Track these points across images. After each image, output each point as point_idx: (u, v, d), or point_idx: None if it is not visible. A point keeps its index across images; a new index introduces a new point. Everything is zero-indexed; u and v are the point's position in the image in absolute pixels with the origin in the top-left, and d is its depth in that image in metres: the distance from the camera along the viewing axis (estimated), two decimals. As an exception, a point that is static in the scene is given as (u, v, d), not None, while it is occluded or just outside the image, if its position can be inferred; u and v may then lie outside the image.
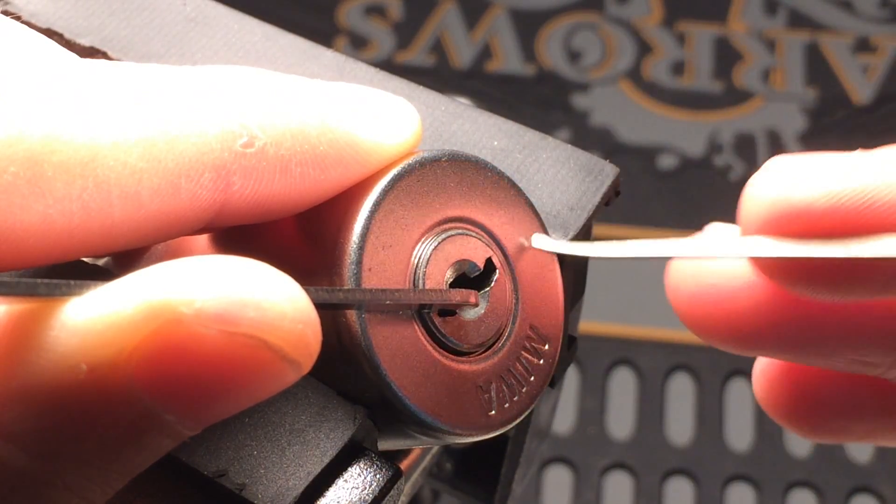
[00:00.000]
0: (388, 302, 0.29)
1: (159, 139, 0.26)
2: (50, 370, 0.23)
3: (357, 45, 1.32)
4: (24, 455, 0.23)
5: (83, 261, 0.30)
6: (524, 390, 0.32)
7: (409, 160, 0.30)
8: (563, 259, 0.34)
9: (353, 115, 0.29)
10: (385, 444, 0.32)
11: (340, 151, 0.29)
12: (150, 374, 0.23)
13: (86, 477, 0.24)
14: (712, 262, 0.31)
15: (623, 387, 1.06)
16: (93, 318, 0.23)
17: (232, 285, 0.23)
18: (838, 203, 0.28)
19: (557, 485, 1.01)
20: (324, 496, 0.28)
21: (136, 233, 0.26)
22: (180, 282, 0.23)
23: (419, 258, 0.30)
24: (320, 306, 0.24)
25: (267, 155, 0.27)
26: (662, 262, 0.32)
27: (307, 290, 0.24)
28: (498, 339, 0.32)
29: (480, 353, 0.31)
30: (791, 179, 0.29)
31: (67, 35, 0.37)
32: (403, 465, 0.43)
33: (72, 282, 0.23)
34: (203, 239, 0.32)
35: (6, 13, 0.37)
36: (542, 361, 0.33)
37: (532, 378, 0.32)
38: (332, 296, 0.28)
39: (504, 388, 0.32)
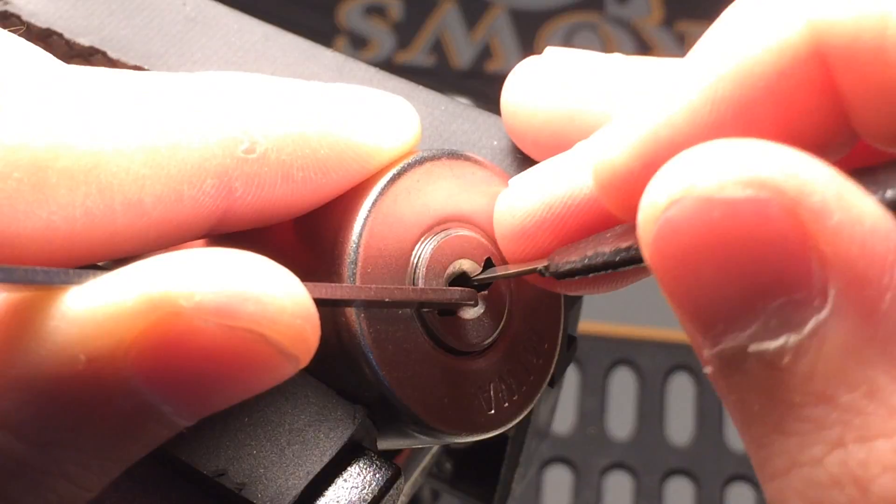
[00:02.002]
0: (387, 301, 0.29)
1: (162, 146, 0.26)
2: (48, 360, 0.23)
3: (357, 45, 1.32)
4: (22, 443, 0.23)
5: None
6: (523, 390, 0.32)
7: (409, 160, 0.31)
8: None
9: (353, 118, 0.30)
10: (384, 444, 0.32)
11: (341, 154, 0.29)
12: (148, 366, 0.23)
13: (82, 465, 0.24)
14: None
15: (623, 387, 1.06)
16: (92, 308, 0.23)
17: (232, 279, 0.23)
18: (539, 215, 0.30)
19: (557, 485, 1.01)
20: (323, 495, 0.28)
21: (138, 239, 0.26)
22: (180, 274, 0.23)
23: (418, 257, 0.30)
24: (320, 302, 0.24)
25: (269, 160, 0.28)
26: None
27: (307, 286, 0.24)
28: (497, 338, 0.32)
29: (480, 353, 0.31)
30: (510, 197, 0.31)
31: (67, 35, 0.37)
32: (401, 462, 0.43)
33: (71, 270, 0.23)
34: (203, 242, 0.32)
35: (6, 13, 0.37)
36: (541, 361, 0.33)
37: (531, 377, 0.32)
38: (332, 292, 0.28)
39: (503, 387, 0.32)
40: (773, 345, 0.21)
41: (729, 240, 0.21)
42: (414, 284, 0.30)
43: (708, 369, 0.23)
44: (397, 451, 0.42)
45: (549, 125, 0.33)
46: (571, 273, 0.27)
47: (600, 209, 0.29)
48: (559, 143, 0.32)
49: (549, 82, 0.33)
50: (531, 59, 0.34)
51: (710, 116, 0.25)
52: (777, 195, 0.21)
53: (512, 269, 0.30)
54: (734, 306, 0.22)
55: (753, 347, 0.22)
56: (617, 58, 0.33)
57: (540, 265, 0.29)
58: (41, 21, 0.37)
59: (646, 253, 0.22)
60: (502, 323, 0.32)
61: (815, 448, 0.22)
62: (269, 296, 0.23)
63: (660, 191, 0.22)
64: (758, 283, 0.21)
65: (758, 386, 0.22)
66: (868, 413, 0.21)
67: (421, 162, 0.31)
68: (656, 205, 0.22)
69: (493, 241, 0.32)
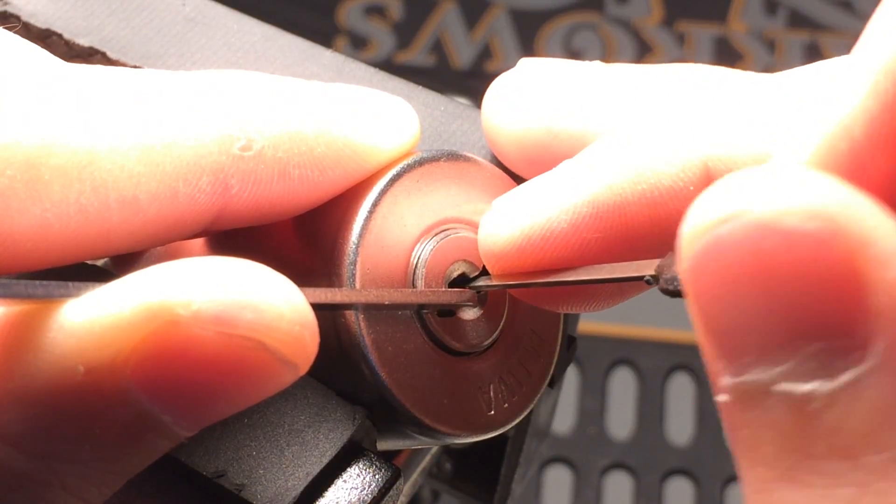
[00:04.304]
0: (386, 302, 0.29)
1: (157, 143, 0.26)
2: (47, 372, 0.23)
3: (357, 45, 1.32)
4: (22, 456, 0.23)
5: (82, 261, 0.30)
6: (523, 390, 0.32)
7: (408, 160, 0.30)
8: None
9: (351, 117, 0.29)
10: (384, 445, 0.32)
11: (338, 153, 0.29)
12: (148, 376, 0.23)
13: (83, 477, 0.24)
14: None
15: (623, 387, 1.06)
16: (90, 319, 0.23)
17: (229, 287, 0.23)
18: (522, 239, 0.29)
19: (557, 485, 1.01)
20: (323, 496, 0.28)
21: (134, 237, 0.26)
22: (178, 283, 0.23)
23: (418, 258, 0.30)
24: (318, 307, 0.24)
25: (265, 158, 0.28)
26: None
27: (305, 292, 0.24)
28: (497, 339, 0.32)
29: (479, 353, 0.31)
30: (491, 223, 0.30)
31: (67, 35, 0.37)
32: (401, 462, 0.43)
33: (69, 283, 0.23)
34: (201, 240, 0.32)
35: (5, 14, 0.37)
36: (540, 361, 0.33)
37: (531, 378, 0.32)
38: (331, 297, 0.28)
39: (503, 387, 0.32)
40: (802, 388, 0.20)
41: (780, 270, 0.20)
42: (413, 285, 0.30)
43: (723, 398, 0.21)
44: (397, 452, 0.42)
45: (530, 145, 0.32)
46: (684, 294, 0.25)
47: (581, 236, 0.29)
48: (543, 161, 0.31)
49: (526, 100, 0.32)
50: (506, 76, 0.33)
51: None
52: (840, 235, 0.19)
53: (609, 274, 0.28)
54: (770, 340, 0.20)
55: (781, 387, 0.20)
56: (595, 66, 0.32)
57: (647, 274, 0.26)
58: (41, 21, 0.37)
59: (683, 266, 0.21)
60: (502, 323, 0.32)
61: None
62: (266, 303, 0.23)
63: (712, 205, 0.20)
64: (801, 322, 0.20)
65: (776, 427, 0.21)
66: (892, 479, 0.20)
67: (420, 162, 0.31)
68: (706, 220, 0.20)
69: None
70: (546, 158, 0.31)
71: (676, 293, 0.25)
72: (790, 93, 0.28)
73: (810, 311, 0.20)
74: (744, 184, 0.20)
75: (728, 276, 0.20)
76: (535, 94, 0.32)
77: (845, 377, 0.20)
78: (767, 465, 0.21)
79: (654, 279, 0.26)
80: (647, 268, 0.26)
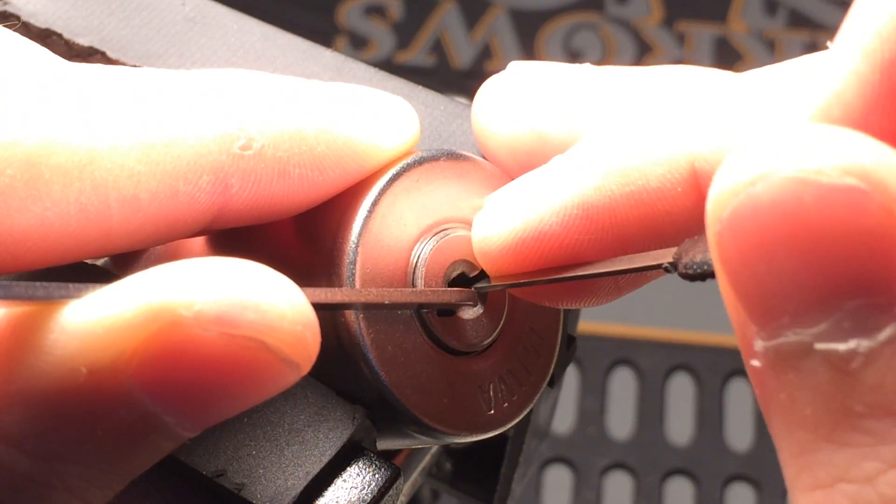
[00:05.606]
0: (386, 302, 0.29)
1: (157, 142, 0.26)
2: (49, 373, 0.23)
3: (357, 45, 1.32)
4: (25, 458, 0.23)
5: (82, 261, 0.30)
6: (523, 389, 0.32)
7: (408, 160, 0.30)
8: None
9: (352, 117, 0.29)
10: (384, 444, 0.32)
11: (338, 152, 0.29)
12: (150, 377, 0.23)
13: (86, 479, 0.24)
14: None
15: (623, 387, 1.06)
16: (92, 320, 0.23)
17: (231, 287, 0.23)
18: (515, 241, 0.29)
19: (557, 485, 1.01)
20: (322, 496, 0.28)
21: (134, 236, 0.26)
22: (180, 284, 0.23)
23: (418, 258, 0.30)
24: (319, 307, 0.24)
25: (265, 157, 0.28)
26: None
27: (306, 292, 0.24)
28: (497, 338, 0.32)
29: (479, 353, 0.31)
30: (483, 225, 0.30)
31: (66, 35, 0.37)
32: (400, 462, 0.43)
33: (70, 285, 0.23)
34: (201, 239, 0.32)
35: (5, 13, 0.37)
36: (540, 361, 0.33)
37: (531, 377, 0.32)
38: (331, 296, 0.28)
39: (503, 387, 0.32)
40: (842, 347, 0.20)
41: (816, 227, 0.20)
42: (413, 285, 0.30)
43: (755, 362, 0.21)
44: (397, 452, 0.42)
45: (520, 149, 0.32)
46: (705, 276, 0.25)
47: (573, 237, 0.29)
48: (533, 165, 0.31)
49: (515, 104, 0.32)
50: (495, 79, 0.33)
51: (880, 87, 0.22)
52: (878, 189, 0.19)
53: (627, 265, 0.28)
54: (807, 299, 0.20)
55: (820, 346, 0.20)
56: (585, 69, 0.32)
57: (664, 262, 0.26)
58: (40, 21, 0.37)
59: (714, 229, 0.21)
60: (501, 323, 0.32)
61: (868, 464, 0.20)
62: (268, 303, 0.23)
63: (745, 165, 0.20)
64: (838, 279, 0.20)
65: (816, 387, 0.21)
66: None
67: (420, 162, 0.31)
68: (737, 181, 0.20)
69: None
70: (536, 162, 0.31)
71: (697, 276, 0.25)
72: (777, 89, 0.28)
73: (848, 267, 0.20)
74: (773, 144, 0.20)
75: (762, 236, 0.20)
76: (524, 97, 0.32)
77: (886, 333, 0.20)
78: (807, 427, 0.21)
79: (673, 266, 0.26)
80: (663, 256, 0.26)
